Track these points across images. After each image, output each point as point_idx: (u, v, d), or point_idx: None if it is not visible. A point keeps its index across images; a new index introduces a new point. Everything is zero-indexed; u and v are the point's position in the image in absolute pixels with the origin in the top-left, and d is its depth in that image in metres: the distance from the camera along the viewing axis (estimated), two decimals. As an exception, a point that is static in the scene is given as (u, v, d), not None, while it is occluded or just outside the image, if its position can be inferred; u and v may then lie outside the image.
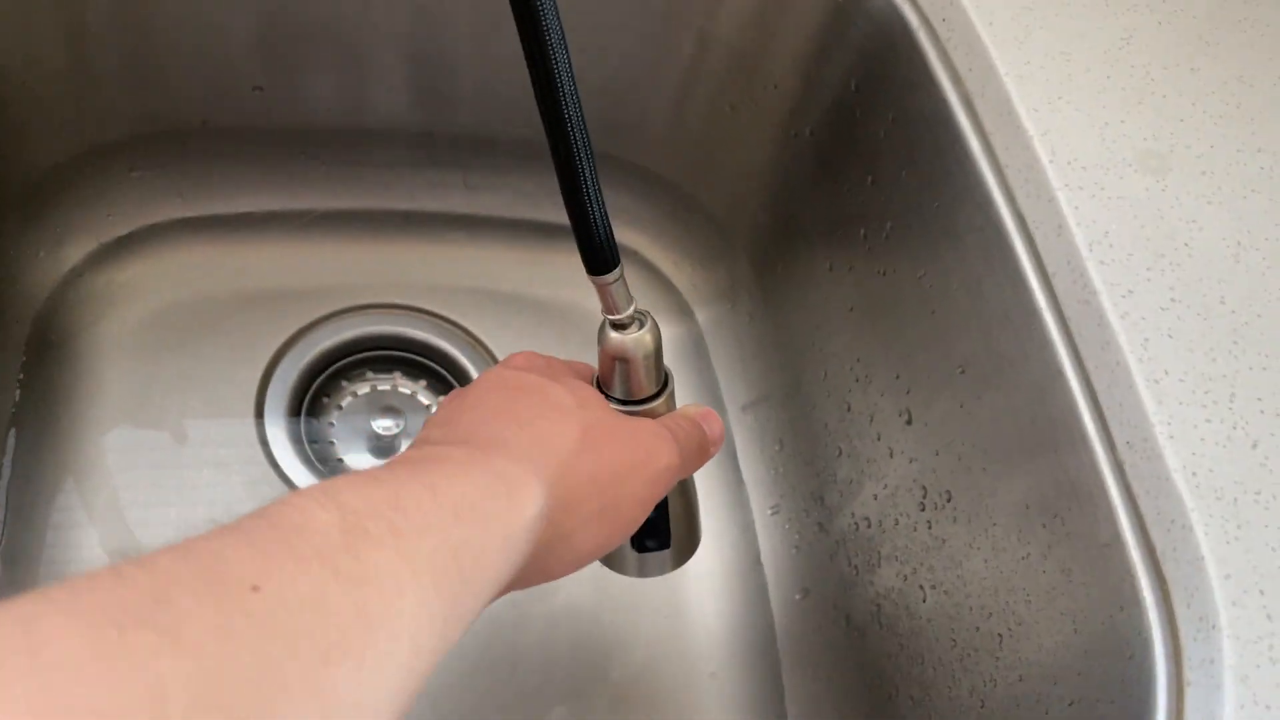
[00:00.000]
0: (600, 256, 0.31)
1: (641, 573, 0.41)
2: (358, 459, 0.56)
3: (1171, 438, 0.33)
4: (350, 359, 0.58)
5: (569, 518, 0.29)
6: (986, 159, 0.40)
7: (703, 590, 0.53)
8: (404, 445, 0.56)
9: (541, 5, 0.27)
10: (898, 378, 0.46)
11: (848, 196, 0.48)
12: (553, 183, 0.63)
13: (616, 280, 0.32)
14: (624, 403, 0.35)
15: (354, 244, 0.59)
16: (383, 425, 0.57)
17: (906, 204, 0.44)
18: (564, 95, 0.28)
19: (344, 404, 0.57)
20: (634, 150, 0.58)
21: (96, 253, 0.53)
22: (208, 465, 0.52)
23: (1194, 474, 0.32)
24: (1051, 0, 0.43)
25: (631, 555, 0.40)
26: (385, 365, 0.58)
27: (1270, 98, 0.42)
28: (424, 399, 0.58)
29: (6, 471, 0.48)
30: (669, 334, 0.60)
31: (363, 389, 0.58)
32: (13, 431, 0.50)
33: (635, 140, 0.57)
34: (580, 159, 0.29)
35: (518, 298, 0.60)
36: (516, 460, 0.28)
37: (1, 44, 0.45)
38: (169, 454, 0.52)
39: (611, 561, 0.40)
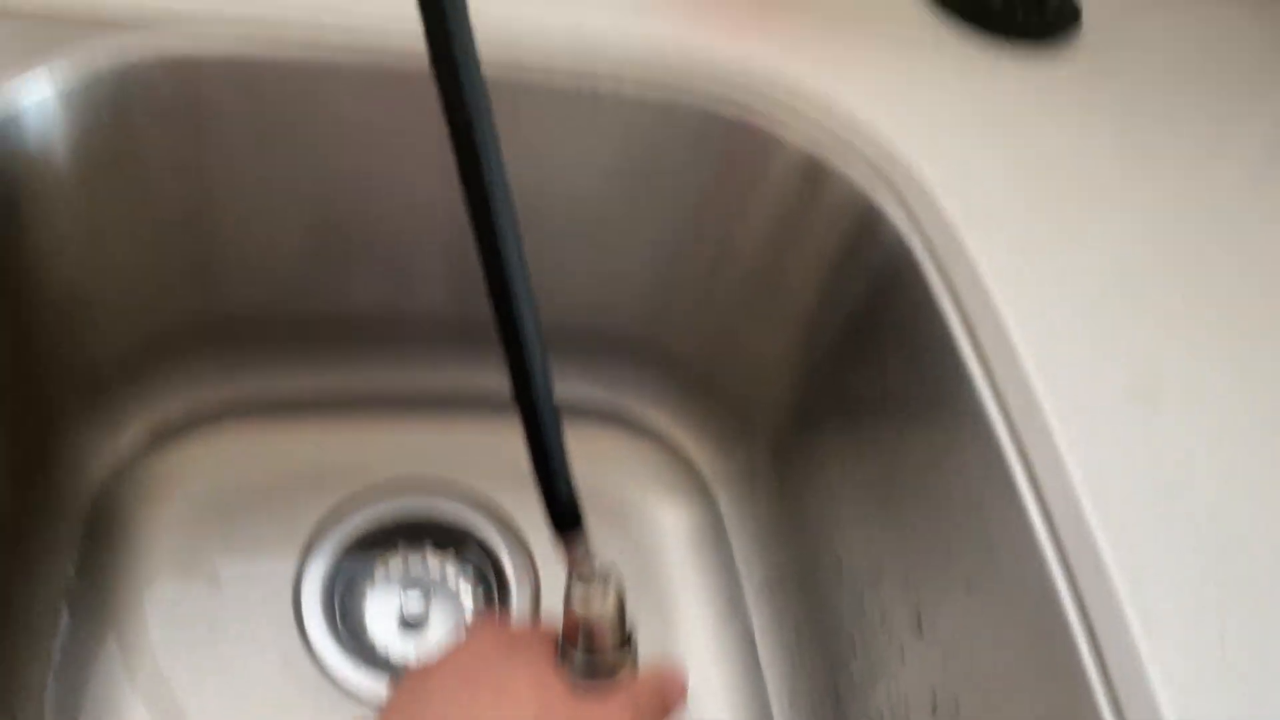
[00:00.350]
0: (561, 512, 0.33)
1: None
2: (390, 640, 0.58)
3: (1163, 677, 0.34)
4: (377, 542, 0.60)
5: None
6: (988, 387, 0.42)
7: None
8: (433, 616, 0.58)
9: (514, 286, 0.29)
10: (907, 580, 0.48)
11: (860, 402, 0.51)
12: (581, 365, 0.66)
13: (579, 538, 0.34)
14: (589, 653, 0.36)
15: (390, 424, 0.62)
16: (411, 607, 0.58)
17: (913, 417, 0.47)
18: (531, 364, 0.31)
19: (374, 584, 0.59)
20: (660, 336, 0.61)
21: (151, 437, 0.57)
22: (246, 642, 0.54)
23: (1186, 713, 0.34)
24: (1046, 232, 0.46)
25: None
26: (414, 543, 0.61)
27: (1263, 329, 0.45)
28: (450, 569, 0.60)
29: (59, 649, 0.51)
30: (691, 515, 0.63)
31: (391, 569, 0.60)
32: (65, 608, 0.52)
33: (661, 327, 0.61)
34: (545, 424, 0.32)
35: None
36: None
37: (81, 251, 0.49)
38: (209, 631, 0.54)
39: None
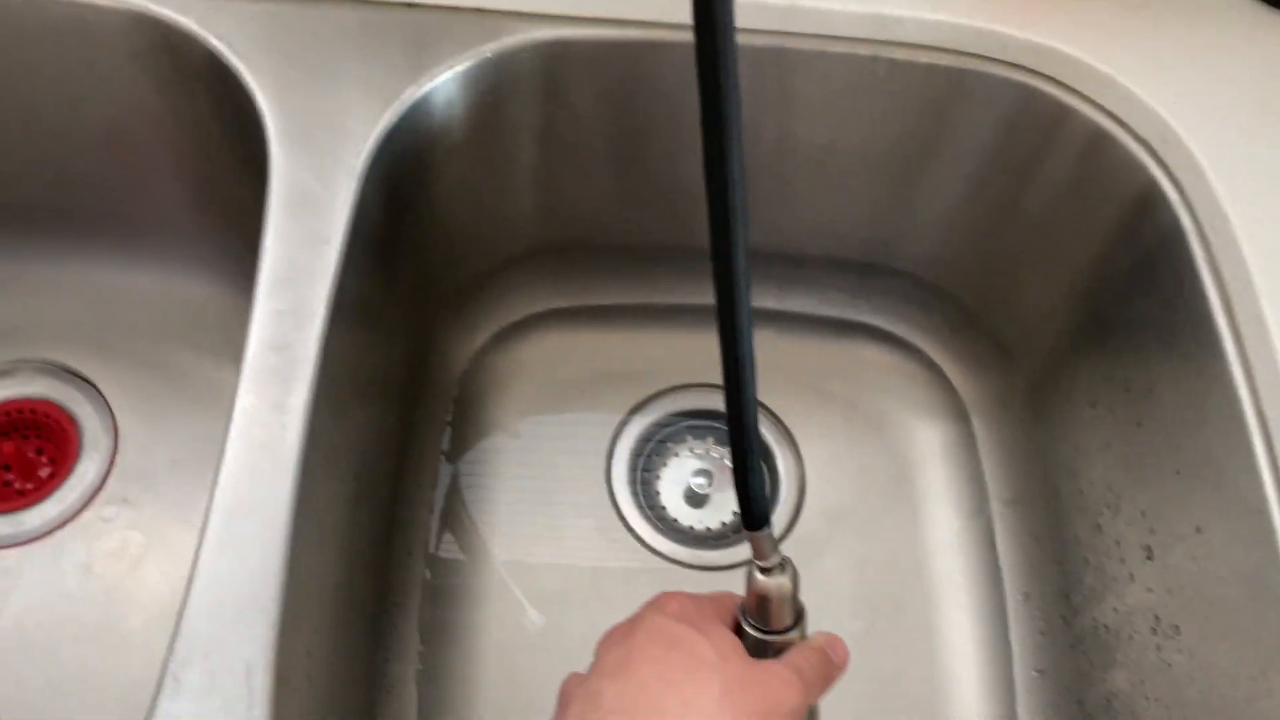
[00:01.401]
0: (756, 516, 0.37)
1: None
2: (678, 509, 0.70)
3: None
4: (676, 427, 0.72)
5: None
6: (1238, 361, 0.47)
7: (953, 656, 0.64)
8: (715, 499, 0.70)
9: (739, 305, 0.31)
10: (1143, 515, 0.54)
11: (1118, 354, 0.56)
12: (867, 291, 0.73)
13: (766, 535, 0.38)
14: (764, 632, 0.41)
15: (684, 333, 0.73)
16: (698, 483, 0.70)
17: (1167, 379, 0.52)
18: (745, 397, 0.33)
19: (669, 462, 0.71)
20: (940, 275, 0.68)
21: (496, 337, 0.70)
22: (569, 507, 0.68)
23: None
24: (1318, 216, 0.49)
25: None
26: (702, 433, 0.72)
27: None
28: (729, 462, 0.71)
29: (442, 487, 0.66)
30: (947, 431, 0.70)
31: (683, 450, 0.71)
32: (443, 460, 0.67)
33: (943, 268, 0.68)
34: (749, 444, 0.35)
35: (816, 386, 0.71)
36: None
37: (464, 196, 0.61)
38: (543, 495, 0.68)
39: None
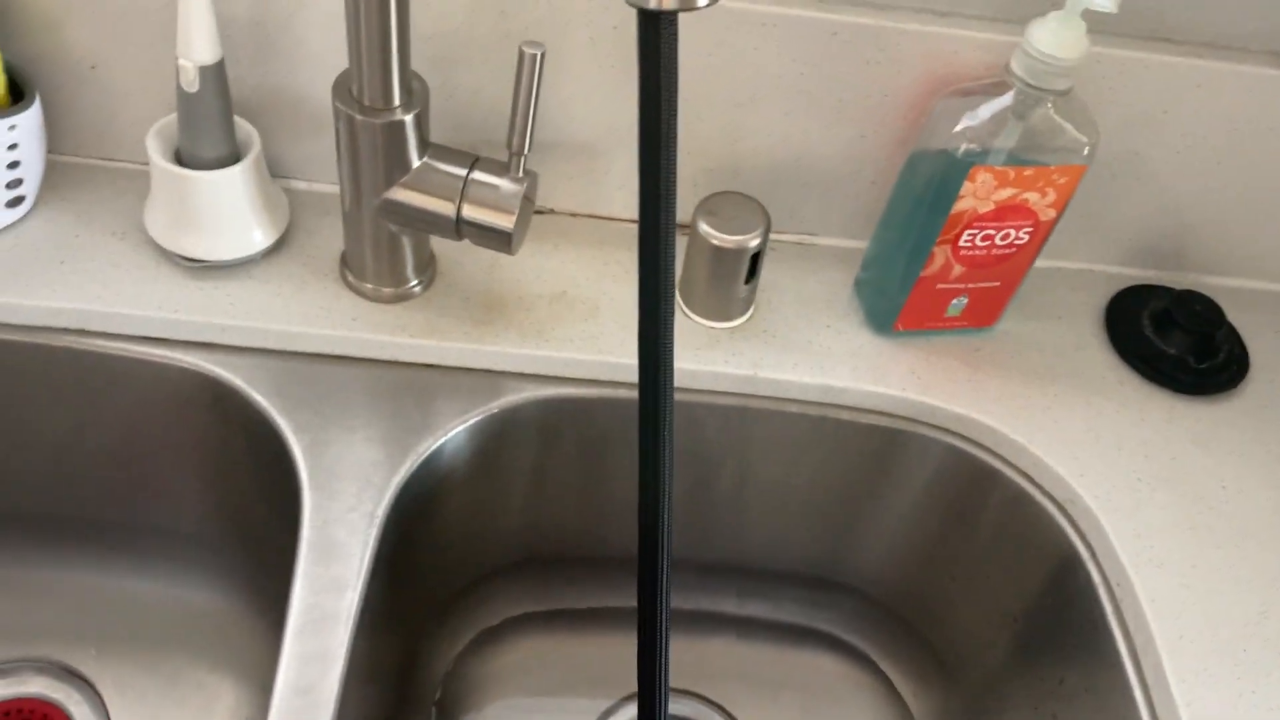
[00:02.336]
0: None
1: None
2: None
3: None
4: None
5: None
6: (1147, 712, 0.54)
7: None
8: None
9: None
10: (1075, 842, 0.59)
11: (1044, 685, 0.63)
12: (802, 595, 0.80)
13: None
14: None
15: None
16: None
17: (1086, 715, 0.59)
18: (660, 684, 0.40)
19: (634, 767, 0.75)
20: (884, 595, 0.76)
21: (475, 641, 0.75)
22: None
23: None
24: (1202, 574, 0.58)
25: None
26: (668, 735, 0.76)
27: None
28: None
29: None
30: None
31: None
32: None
33: (886, 588, 0.75)
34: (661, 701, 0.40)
35: (772, 694, 0.77)
36: None
37: (462, 521, 0.68)
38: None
39: None
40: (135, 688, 0.70)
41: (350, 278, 0.63)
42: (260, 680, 0.71)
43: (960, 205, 0.57)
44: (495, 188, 0.56)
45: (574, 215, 0.70)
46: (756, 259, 0.62)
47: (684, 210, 0.63)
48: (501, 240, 0.57)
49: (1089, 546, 0.60)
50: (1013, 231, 0.60)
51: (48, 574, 0.73)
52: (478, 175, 0.56)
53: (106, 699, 0.70)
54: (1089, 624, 0.59)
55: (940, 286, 0.63)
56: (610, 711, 0.75)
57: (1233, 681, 0.54)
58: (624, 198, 0.69)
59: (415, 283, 0.63)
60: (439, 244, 0.66)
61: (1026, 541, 0.64)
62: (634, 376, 0.41)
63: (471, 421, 0.61)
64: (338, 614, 0.52)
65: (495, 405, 0.62)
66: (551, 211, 0.70)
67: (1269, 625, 0.56)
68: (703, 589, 0.79)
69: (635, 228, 0.38)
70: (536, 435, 0.65)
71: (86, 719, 0.69)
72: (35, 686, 0.70)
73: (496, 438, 0.63)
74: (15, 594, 0.73)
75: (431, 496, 0.62)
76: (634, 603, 0.80)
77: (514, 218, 0.56)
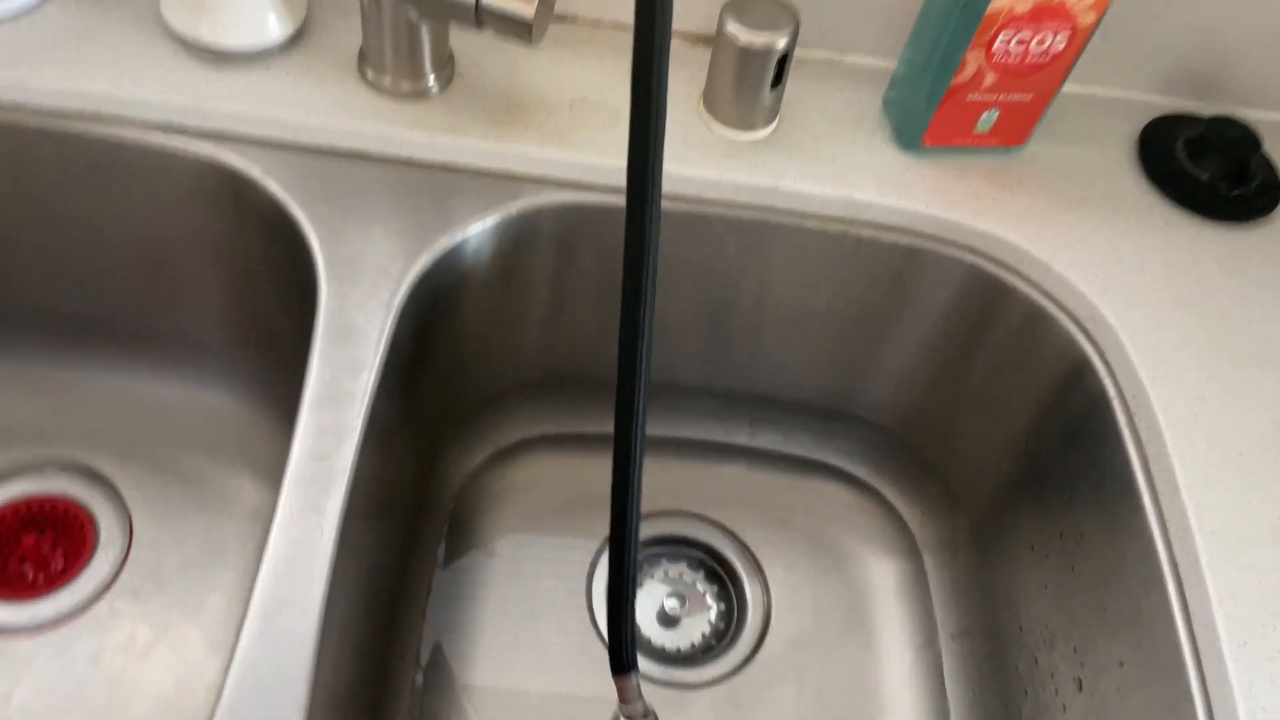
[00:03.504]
0: (626, 660, 0.39)
1: None
2: (651, 629, 0.75)
3: (1260, 760, 0.46)
4: (652, 550, 0.77)
5: None
6: (1155, 517, 0.54)
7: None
8: (685, 622, 0.75)
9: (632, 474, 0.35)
10: (1075, 651, 0.60)
11: (1053, 503, 0.64)
12: (828, 436, 0.81)
13: (633, 682, 0.41)
14: None
15: (663, 463, 0.79)
16: (670, 605, 0.75)
17: (1095, 529, 0.59)
18: (628, 549, 0.36)
19: (644, 584, 0.76)
20: (894, 424, 0.75)
21: (491, 458, 0.76)
22: (552, 628, 0.72)
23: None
24: (1218, 390, 0.57)
25: None
26: (676, 557, 0.77)
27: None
28: (700, 587, 0.76)
29: (435, 596, 0.71)
30: (901, 567, 0.77)
31: (658, 573, 0.77)
32: (438, 571, 0.72)
33: (895, 417, 0.75)
34: (627, 592, 0.37)
35: (782, 520, 0.78)
36: None
37: (481, 329, 0.68)
38: (526, 615, 0.72)
39: None
40: (155, 488, 0.72)
41: (369, 74, 0.62)
42: (278, 482, 0.72)
43: (996, 3, 0.56)
44: (517, -29, 0.55)
45: (596, 24, 0.68)
46: (784, 62, 0.60)
47: (711, 17, 0.62)
48: (522, 29, 0.56)
49: (1106, 363, 0.60)
50: (1050, 36, 0.58)
51: (69, 375, 0.74)
52: (500, -43, 0.55)
53: (127, 498, 0.72)
54: (1100, 437, 0.59)
55: (971, 98, 0.61)
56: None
57: (1243, 490, 0.54)
58: (649, 7, 0.67)
59: (434, 80, 0.62)
60: (458, 47, 0.64)
61: (1042, 360, 0.63)
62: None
63: (490, 223, 0.61)
64: (354, 393, 0.53)
65: (514, 207, 0.61)
66: (574, 20, 0.68)
67: (1284, 440, 0.56)
68: (715, 419, 0.79)
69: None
70: (555, 245, 0.64)
71: (109, 517, 0.71)
72: (59, 484, 0.72)
73: (514, 242, 0.63)
74: (39, 394, 0.74)
75: (449, 293, 0.61)
76: (650, 429, 0.82)
77: (534, 6, 0.55)
